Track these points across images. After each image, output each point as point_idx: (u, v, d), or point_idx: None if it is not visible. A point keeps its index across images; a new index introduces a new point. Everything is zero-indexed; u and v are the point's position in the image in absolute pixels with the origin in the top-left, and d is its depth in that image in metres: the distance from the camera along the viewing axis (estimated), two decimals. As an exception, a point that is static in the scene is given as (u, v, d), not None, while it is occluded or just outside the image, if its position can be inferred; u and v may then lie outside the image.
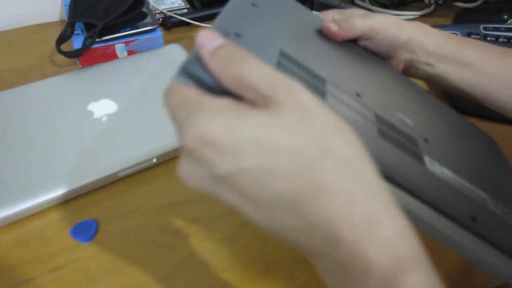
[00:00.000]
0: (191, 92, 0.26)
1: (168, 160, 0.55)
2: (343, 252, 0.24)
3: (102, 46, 0.68)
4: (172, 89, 0.27)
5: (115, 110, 0.58)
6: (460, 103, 0.66)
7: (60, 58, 0.69)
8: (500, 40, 0.74)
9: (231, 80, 0.25)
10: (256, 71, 0.25)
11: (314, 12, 0.83)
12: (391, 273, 0.23)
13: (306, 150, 0.23)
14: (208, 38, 0.26)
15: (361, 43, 0.47)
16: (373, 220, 0.24)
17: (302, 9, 0.45)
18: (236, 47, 0.26)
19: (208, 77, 0.26)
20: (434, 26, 0.57)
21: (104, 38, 0.68)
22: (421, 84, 0.66)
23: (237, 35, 0.30)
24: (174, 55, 0.69)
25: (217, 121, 0.23)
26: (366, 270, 0.23)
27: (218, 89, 0.26)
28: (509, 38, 0.74)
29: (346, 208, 0.23)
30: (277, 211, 0.24)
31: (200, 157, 0.24)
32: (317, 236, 0.24)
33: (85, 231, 0.47)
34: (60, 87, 0.61)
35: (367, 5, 0.91)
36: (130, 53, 0.70)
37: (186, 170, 0.25)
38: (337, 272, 0.25)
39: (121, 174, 0.52)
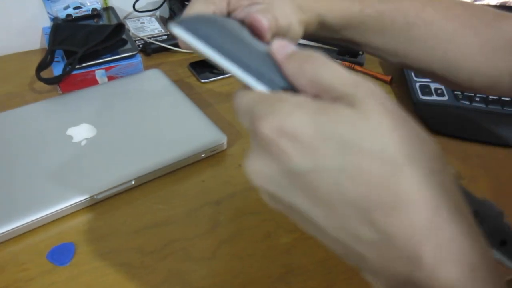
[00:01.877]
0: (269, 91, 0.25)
1: (146, 182, 0.56)
2: (420, 274, 0.21)
3: (82, 73, 0.69)
4: (246, 90, 0.25)
5: (94, 134, 0.59)
6: (434, 125, 0.68)
7: (40, 85, 0.70)
8: None
9: (307, 82, 0.24)
10: (332, 73, 0.23)
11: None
12: None
13: (392, 155, 0.21)
14: (282, 45, 0.26)
15: None
16: (458, 240, 0.21)
17: None
18: (310, 51, 0.25)
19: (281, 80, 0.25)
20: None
21: (84, 64, 0.69)
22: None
23: None
24: (154, 79, 0.71)
25: (301, 113, 0.22)
26: None
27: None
28: None
29: (430, 222, 0.21)
30: (350, 218, 0.22)
31: (277, 149, 0.22)
32: (391, 251, 0.21)
33: (63, 254, 0.47)
34: (40, 113, 0.62)
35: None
36: (110, 78, 0.72)
37: (255, 163, 0.24)
38: None
39: (99, 196, 0.52)
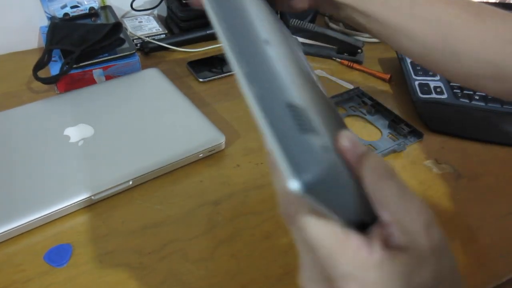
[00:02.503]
0: (343, 232, 0.24)
1: (144, 182, 0.55)
2: None
3: (79, 72, 0.68)
4: (315, 221, 0.25)
5: (92, 134, 0.58)
6: (433, 123, 0.68)
7: (37, 84, 0.70)
8: None
9: (373, 194, 0.25)
10: (396, 194, 0.25)
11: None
12: None
13: None
14: (352, 143, 0.26)
15: None
16: None
17: None
18: (380, 158, 0.26)
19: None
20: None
21: (81, 64, 0.68)
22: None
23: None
24: (152, 79, 0.70)
25: (383, 279, 0.23)
26: None
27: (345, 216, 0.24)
28: None
29: None
30: None
31: None
32: None
33: (60, 255, 0.47)
34: (37, 113, 0.62)
35: (342, 28, 0.93)
36: (108, 78, 0.71)
37: None
38: None
39: (97, 197, 0.52)
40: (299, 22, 0.83)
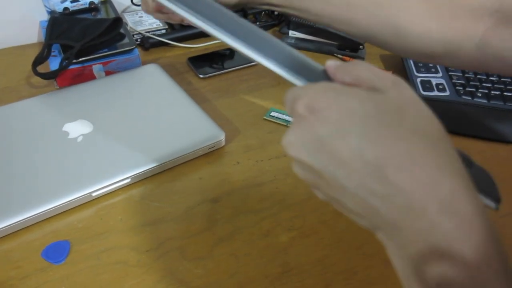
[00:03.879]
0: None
1: (142, 179, 0.55)
2: (424, 224, 0.25)
3: (79, 67, 0.68)
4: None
5: (91, 130, 0.58)
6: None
7: (37, 79, 0.69)
8: None
9: (352, 80, 0.29)
10: (368, 70, 0.29)
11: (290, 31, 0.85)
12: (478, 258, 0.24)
13: (401, 125, 0.26)
14: (333, 62, 0.31)
15: None
16: (457, 196, 0.25)
17: None
18: (354, 62, 0.31)
19: None
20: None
21: (81, 59, 0.68)
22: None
23: None
24: (152, 75, 0.70)
25: (327, 92, 0.28)
26: (446, 243, 0.24)
27: None
28: None
29: (435, 179, 0.25)
30: (366, 175, 0.26)
31: (307, 121, 0.27)
32: (400, 203, 0.25)
33: (58, 252, 0.47)
34: (36, 108, 0.61)
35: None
36: (108, 73, 0.71)
37: (291, 136, 0.29)
38: (411, 246, 0.25)
39: (95, 194, 0.51)
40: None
